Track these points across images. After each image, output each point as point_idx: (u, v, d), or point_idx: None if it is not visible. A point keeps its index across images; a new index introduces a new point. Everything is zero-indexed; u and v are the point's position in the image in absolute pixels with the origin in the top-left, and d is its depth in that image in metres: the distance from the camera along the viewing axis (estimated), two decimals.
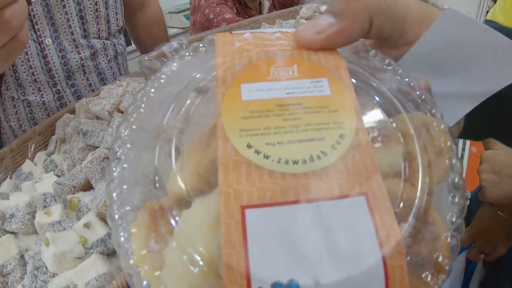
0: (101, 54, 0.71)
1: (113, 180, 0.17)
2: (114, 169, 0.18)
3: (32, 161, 0.66)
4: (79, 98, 0.70)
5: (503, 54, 0.21)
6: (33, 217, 0.49)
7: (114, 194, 0.17)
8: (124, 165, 0.17)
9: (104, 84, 0.72)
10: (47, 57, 0.64)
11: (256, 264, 0.15)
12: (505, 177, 0.61)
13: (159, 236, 0.16)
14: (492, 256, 0.70)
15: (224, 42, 0.20)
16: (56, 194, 0.49)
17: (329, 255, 0.15)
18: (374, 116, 0.19)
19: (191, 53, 0.20)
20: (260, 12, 1.38)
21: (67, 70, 0.67)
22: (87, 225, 0.45)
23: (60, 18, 0.63)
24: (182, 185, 0.18)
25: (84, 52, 0.67)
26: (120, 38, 0.74)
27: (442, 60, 0.22)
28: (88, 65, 0.69)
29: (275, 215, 0.16)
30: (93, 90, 0.71)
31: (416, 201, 0.17)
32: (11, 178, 0.62)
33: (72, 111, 0.66)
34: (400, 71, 0.20)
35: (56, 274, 0.42)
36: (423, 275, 0.17)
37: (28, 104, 0.67)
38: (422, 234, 0.17)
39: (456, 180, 0.18)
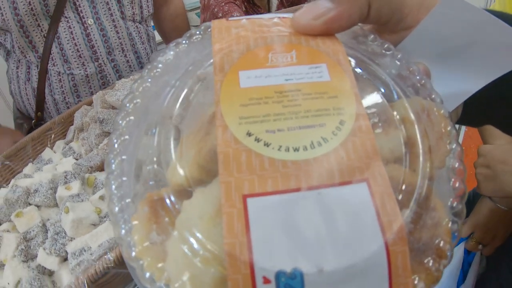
0: (136, 36, 0.79)
1: (112, 172, 0.17)
2: (112, 161, 0.17)
3: (52, 149, 0.73)
4: (117, 72, 0.79)
5: (503, 40, 0.21)
6: (55, 192, 0.56)
7: (114, 187, 0.17)
8: (123, 157, 0.17)
9: (141, 63, 0.82)
10: (90, 35, 0.72)
11: (259, 253, 0.15)
12: (499, 173, 0.62)
13: (160, 227, 0.16)
14: (490, 248, 0.71)
15: (220, 28, 0.19)
16: (76, 173, 0.56)
17: (332, 242, 0.15)
18: (374, 101, 0.19)
19: (187, 41, 0.20)
20: (269, 10, 1.38)
21: (107, 47, 0.75)
22: (102, 198, 0.52)
23: (100, 2, 0.72)
24: (182, 175, 0.17)
25: (122, 32, 0.76)
26: (151, 25, 0.84)
27: (442, 46, 0.22)
28: (126, 44, 0.78)
29: (277, 203, 0.15)
30: (130, 67, 0.80)
31: (417, 187, 0.17)
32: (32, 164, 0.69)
33: (89, 103, 0.74)
34: (399, 56, 0.20)
35: (73, 238, 0.48)
36: (425, 261, 0.17)
37: (73, 78, 0.76)
38: (424, 219, 0.17)
39: (457, 165, 0.18)
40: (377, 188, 0.16)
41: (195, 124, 0.18)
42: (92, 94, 0.77)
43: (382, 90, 0.19)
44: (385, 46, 0.20)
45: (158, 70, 0.19)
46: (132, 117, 0.18)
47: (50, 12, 0.68)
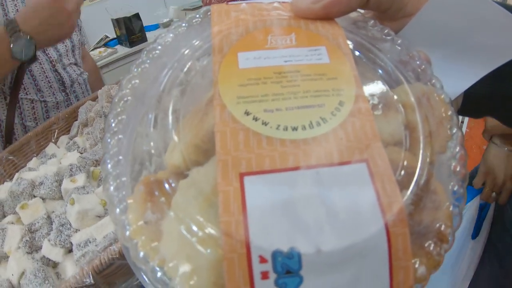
0: (83, 74, 0.97)
1: (108, 151, 0.17)
2: (109, 140, 0.17)
3: (56, 144, 0.74)
4: (78, 99, 0.93)
5: (505, 29, 0.21)
6: (60, 185, 0.55)
7: (109, 166, 0.17)
8: (120, 136, 0.17)
9: (88, 91, 1.00)
10: (57, 71, 0.87)
11: (256, 232, 0.14)
12: None
13: (155, 206, 0.16)
14: (504, 195, 0.72)
15: (220, 12, 0.19)
16: (81, 166, 0.56)
17: (330, 222, 0.15)
18: (374, 84, 0.18)
19: (186, 24, 0.20)
20: None
21: (71, 81, 0.91)
22: None
23: (62, 49, 0.89)
24: (179, 156, 0.17)
25: (76, 71, 0.95)
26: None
27: (442, 33, 0.22)
28: (79, 78, 0.96)
29: (274, 181, 0.15)
30: (84, 96, 0.96)
31: (418, 169, 0.17)
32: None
33: (94, 99, 0.77)
34: (399, 41, 0.20)
35: (78, 230, 0.48)
36: (425, 244, 0.16)
37: (45, 105, 0.86)
38: (424, 202, 0.17)
39: (457, 149, 0.18)
40: (377, 169, 0.16)
41: (193, 106, 0.18)
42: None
43: (382, 74, 0.19)
44: (385, 31, 0.20)
45: (157, 51, 0.19)
46: (129, 98, 0.18)
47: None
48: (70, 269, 0.46)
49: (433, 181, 0.17)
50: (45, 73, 0.84)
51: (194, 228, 0.15)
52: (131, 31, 1.97)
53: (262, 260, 0.14)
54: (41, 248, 0.49)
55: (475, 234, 0.76)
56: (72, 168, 0.56)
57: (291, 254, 0.14)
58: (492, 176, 0.73)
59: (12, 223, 0.54)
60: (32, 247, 0.50)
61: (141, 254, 0.15)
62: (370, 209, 0.15)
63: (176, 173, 0.17)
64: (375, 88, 0.18)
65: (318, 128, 0.16)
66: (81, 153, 0.63)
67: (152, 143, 0.18)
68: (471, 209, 0.76)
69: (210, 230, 0.15)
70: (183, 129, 0.18)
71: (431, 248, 0.16)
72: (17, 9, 0.79)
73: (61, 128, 0.77)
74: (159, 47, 0.19)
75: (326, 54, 0.18)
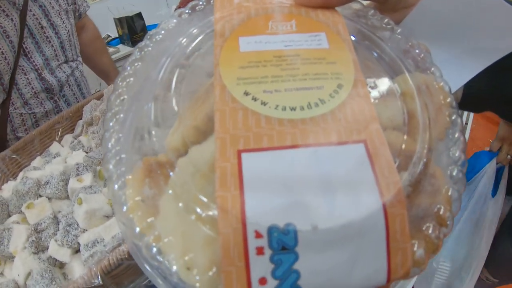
0: (76, 71, 0.94)
1: (109, 129, 0.17)
2: (110, 119, 0.17)
3: (60, 143, 0.74)
4: (69, 105, 0.92)
5: (505, 21, 0.21)
6: (66, 184, 0.55)
7: (110, 144, 0.17)
8: (121, 115, 0.17)
9: (82, 92, 0.97)
10: (44, 79, 0.85)
11: (252, 208, 0.14)
12: None
13: (153, 181, 0.16)
14: None
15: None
16: (87, 165, 0.56)
17: (327, 200, 0.15)
18: (372, 70, 0.19)
19: (189, 11, 0.20)
20: None
21: (59, 85, 0.88)
22: None
23: (48, 50, 0.85)
24: (179, 139, 0.17)
25: (66, 72, 0.90)
26: (79, 55, 1.00)
27: (443, 25, 0.22)
28: (70, 80, 0.92)
29: (272, 159, 0.15)
30: (76, 98, 0.95)
31: (416, 152, 0.17)
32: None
33: (98, 98, 0.77)
34: (399, 30, 0.20)
35: (86, 230, 0.48)
36: (423, 228, 0.16)
37: (34, 116, 0.86)
38: (423, 185, 0.17)
39: (456, 135, 0.18)
40: (375, 150, 0.16)
41: (193, 87, 0.18)
42: None
43: (382, 61, 0.19)
44: (385, 20, 0.20)
45: (160, 36, 0.19)
46: (132, 79, 0.18)
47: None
48: (77, 269, 0.46)
49: (432, 165, 0.17)
50: (30, 84, 0.83)
51: (191, 204, 0.15)
52: (133, 30, 1.94)
53: (258, 235, 0.14)
54: (47, 248, 0.49)
55: (494, 193, 0.86)
56: (78, 167, 0.56)
57: (287, 230, 0.14)
58: (509, 141, 0.84)
59: (18, 222, 0.53)
60: (39, 247, 0.50)
61: (137, 229, 0.16)
62: (368, 189, 0.15)
63: (176, 156, 0.18)
64: (374, 74, 0.18)
65: (317, 109, 0.16)
66: (87, 152, 0.63)
67: (151, 122, 0.18)
68: (489, 170, 0.87)
69: (206, 206, 0.15)
70: (183, 115, 0.18)
71: (430, 231, 0.16)
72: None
73: (65, 127, 0.77)
74: (162, 31, 0.19)
75: (326, 40, 0.18)
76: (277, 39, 0.18)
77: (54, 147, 0.72)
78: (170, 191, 0.16)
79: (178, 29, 0.20)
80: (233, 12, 0.19)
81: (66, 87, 0.91)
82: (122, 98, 0.18)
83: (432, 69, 0.19)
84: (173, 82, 0.18)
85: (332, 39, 0.18)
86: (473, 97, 0.25)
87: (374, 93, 0.18)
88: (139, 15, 1.95)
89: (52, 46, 0.86)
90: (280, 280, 0.14)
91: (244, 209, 0.14)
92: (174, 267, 0.15)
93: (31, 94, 0.83)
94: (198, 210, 0.15)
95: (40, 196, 0.56)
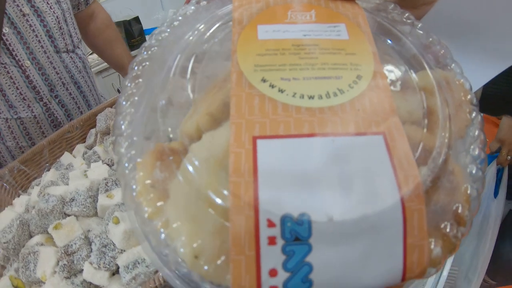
0: (73, 66, 0.80)
1: (122, 112, 0.17)
2: (124, 102, 0.17)
3: (71, 153, 0.69)
4: (63, 107, 0.80)
5: None
6: (94, 201, 0.51)
7: (123, 126, 0.17)
8: (135, 98, 0.17)
9: (82, 92, 0.82)
10: (30, 77, 0.73)
11: (265, 195, 0.14)
12: None
13: (164, 165, 0.16)
14: None
15: None
16: (116, 180, 0.52)
17: (344, 192, 0.14)
18: (392, 63, 0.18)
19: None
20: None
21: (49, 85, 0.76)
22: None
23: (32, 40, 0.73)
24: (193, 125, 0.17)
25: (59, 67, 0.77)
26: (81, 48, 0.86)
27: (463, 23, 0.21)
28: (65, 77, 0.79)
29: (288, 147, 0.15)
30: (73, 99, 0.81)
31: (436, 147, 0.16)
32: (48, 170, 0.64)
33: (112, 105, 0.70)
34: (419, 25, 0.20)
35: (123, 250, 0.44)
36: (441, 225, 0.16)
37: (21, 122, 0.76)
38: (442, 181, 0.16)
39: (476, 133, 0.17)
40: (394, 142, 0.15)
41: (209, 72, 0.18)
42: (43, 134, 0.78)
43: (402, 54, 0.19)
44: (406, 15, 0.20)
45: (178, 22, 0.19)
46: (147, 63, 0.18)
47: None
48: None
49: (451, 161, 0.16)
50: (14, 83, 0.72)
51: (203, 190, 0.15)
52: (131, 34, 1.85)
53: (270, 224, 0.14)
54: (80, 272, 0.45)
55: (496, 193, 0.88)
56: (107, 182, 0.51)
57: (301, 220, 0.14)
58: (508, 142, 0.87)
59: (42, 244, 0.49)
60: (71, 271, 0.45)
61: (146, 215, 0.15)
62: (386, 182, 0.15)
63: (189, 142, 0.17)
64: (394, 67, 0.18)
65: (335, 98, 0.16)
66: (108, 165, 0.59)
67: (165, 105, 0.17)
68: (489, 171, 0.88)
69: (218, 193, 0.15)
70: (199, 101, 0.18)
71: (448, 229, 0.15)
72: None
73: (76, 136, 0.72)
74: (180, 17, 0.19)
75: (346, 31, 0.18)
76: (296, 28, 0.18)
77: (66, 157, 0.67)
78: (181, 176, 0.15)
79: (196, 16, 0.19)
80: (252, 1, 0.19)
81: (59, 86, 0.78)
82: (137, 81, 0.17)
83: (453, 65, 0.19)
84: (189, 68, 0.18)
85: (352, 31, 0.18)
86: (492, 98, 0.24)
87: (394, 85, 0.18)
88: (136, 19, 1.87)
89: (37, 36, 0.73)
90: (292, 273, 0.14)
91: (257, 196, 0.14)
92: (181, 255, 0.15)
93: (16, 95, 0.73)
94: (210, 195, 0.15)
95: (66, 214, 0.51)
